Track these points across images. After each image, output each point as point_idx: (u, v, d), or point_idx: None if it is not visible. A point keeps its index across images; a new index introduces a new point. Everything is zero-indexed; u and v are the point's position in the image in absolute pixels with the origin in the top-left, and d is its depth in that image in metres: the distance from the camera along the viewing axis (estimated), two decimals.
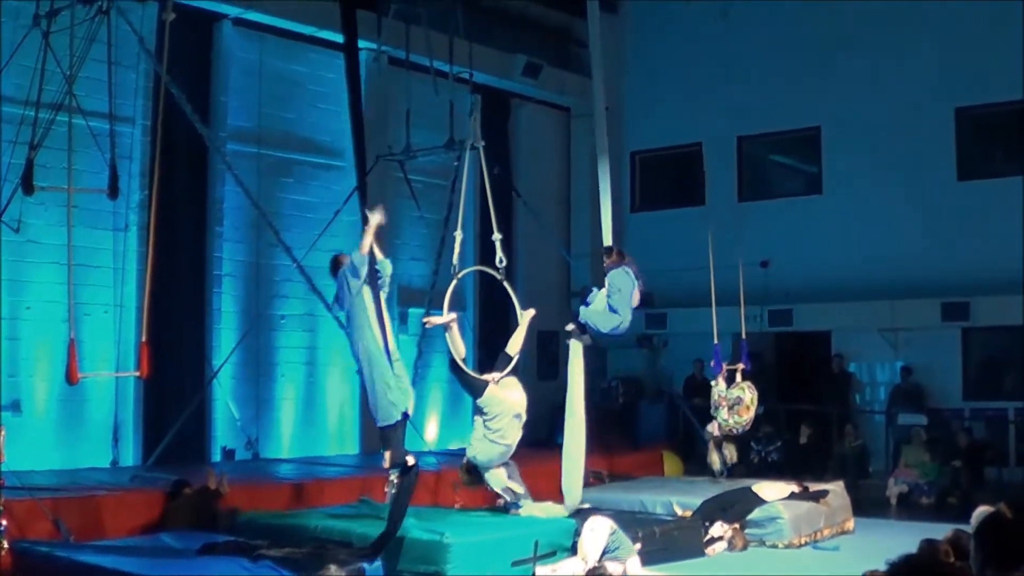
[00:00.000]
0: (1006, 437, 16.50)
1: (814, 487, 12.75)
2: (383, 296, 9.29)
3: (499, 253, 10.87)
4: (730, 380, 13.33)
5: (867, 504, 14.17)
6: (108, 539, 9.65)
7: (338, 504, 11.26)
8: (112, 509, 10.23)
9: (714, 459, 12.94)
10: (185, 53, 13.68)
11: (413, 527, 9.19)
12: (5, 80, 10.63)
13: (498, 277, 10.89)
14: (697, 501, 11.89)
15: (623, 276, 11.07)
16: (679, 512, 11.77)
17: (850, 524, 12.72)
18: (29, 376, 13.10)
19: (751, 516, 11.69)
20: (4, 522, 8.79)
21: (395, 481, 11.09)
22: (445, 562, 8.83)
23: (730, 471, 13.99)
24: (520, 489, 10.90)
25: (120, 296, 13.82)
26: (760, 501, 11.90)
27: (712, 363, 13.87)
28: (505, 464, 11.55)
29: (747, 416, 12.65)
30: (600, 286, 11.26)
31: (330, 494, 11.86)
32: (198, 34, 14.90)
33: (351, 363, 11.33)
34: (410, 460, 9.11)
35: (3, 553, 8.63)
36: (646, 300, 19.51)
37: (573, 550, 9.73)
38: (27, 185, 9.74)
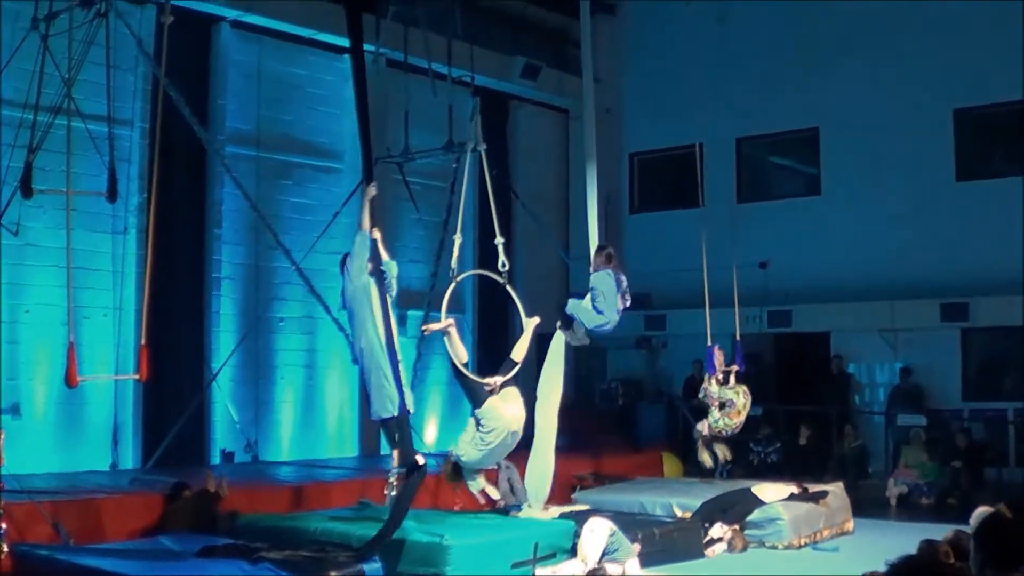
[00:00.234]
0: (1005, 438, 16.49)
1: (814, 488, 12.75)
2: (390, 298, 9.31)
3: (502, 257, 10.79)
4: (724, 382, 13.30)
5: (867, 505, 14.17)
6: (108, 542, 9.64)
7: (338, 506, 11.26)
8: (112, 512, 10.21)
9: (704, 457, 12.94)
10: (183, 56, 13.68)
11: (413, 529, 9.19)
12: (4, 83, 10.64)
13: (500, 281, 10.85)
14: (697, 502, 11.89)
15: (605, 278, 11.17)
16: (679, 513, 11.77)
17: (850, 525, 12.73)
18: (28, 379, 13.11)
19: (751, 517, 11.70)
20: (4, 525, 8.77)
21: (394, 483, 11.11)
22: (445, 564, 8.83)
23: (729, 471, 13.98)
24: (495, 494, 10.92)
25: (119, 299, 13.83)
26: (760, 502, 11.91)
27: (706, 364, 13.85)
28: (506, 467, 11.59)
29: (737, 420, 12.60)
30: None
31: (330, 496, 11.84)
32: (196, 37, 14.90)
33: (350, 365, 11.35)
34: (420, 460, 9.12)
35: (3, 556, 8.62)
36: (645, 301, 19.67)
37: (573, 552, 9.74)
38: (26, 188, 9.74)
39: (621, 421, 18.82)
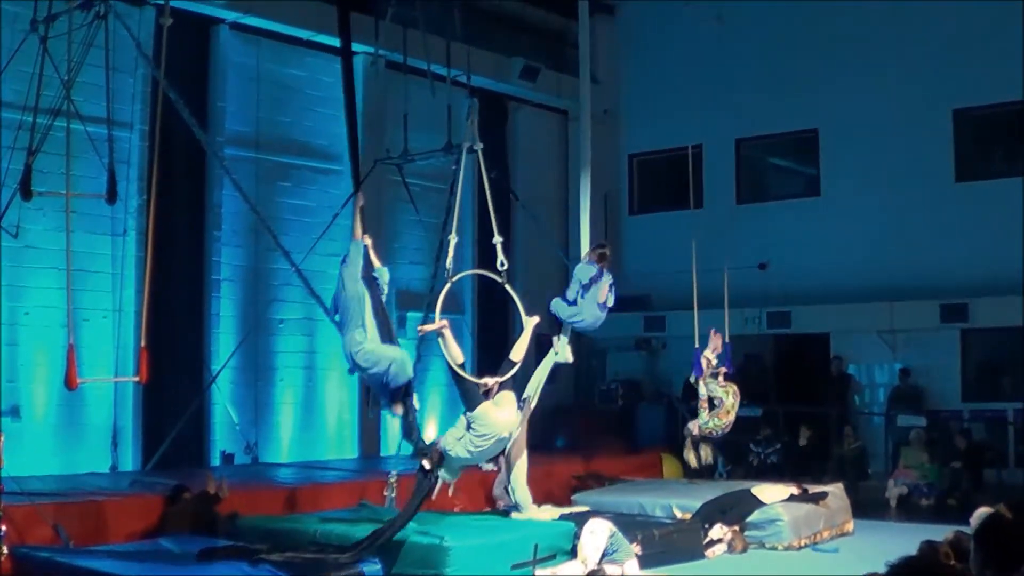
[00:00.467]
0: (1005, 438, 16.49)
1: (813, 489, 12.75)
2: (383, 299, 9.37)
3: (500, 257, 10.78)
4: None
5: (866, 506, 14.17)
6: (108, 544, 9.64)
7: (338, 508, 11.26)
8: (112, 514, 10.20)
9: (690, 457, 12.94)
10: (182, 58, 13.69)
11: (412, 531, 9.20)
12: (3, 85, 10.64)
13: (499, 281, 10.84)
14: (696, 504, 11.89)
15: (587, 268, 11.28)
16: (679, 515, 11.78)
17: (849, 526, 12.73)
18: (28, 381, 13.11)
19: (751, 518, 11.69)
20: (4, 528, 8.76)
21: (394, 483, 11.12)
22: (445, 565, 8.84)
23: (729, 472, 13.95)
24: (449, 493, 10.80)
25: (119, 301, 13.84)
26: (759, 503, 11.90)
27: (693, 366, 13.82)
28: (506, 467, 11.58)
29: (726, 420, 12.58)
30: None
31: (329, 498, 11.84)
32: (195, 39, 14.92)
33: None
34: (426, 465, 9.17)
35: (3, 559, 8.61)
36: (644, 303, 19.68)
37: (573, 553, 9.74)
38: (25, 190, 9.73)
39: (621, 422, 18.81)
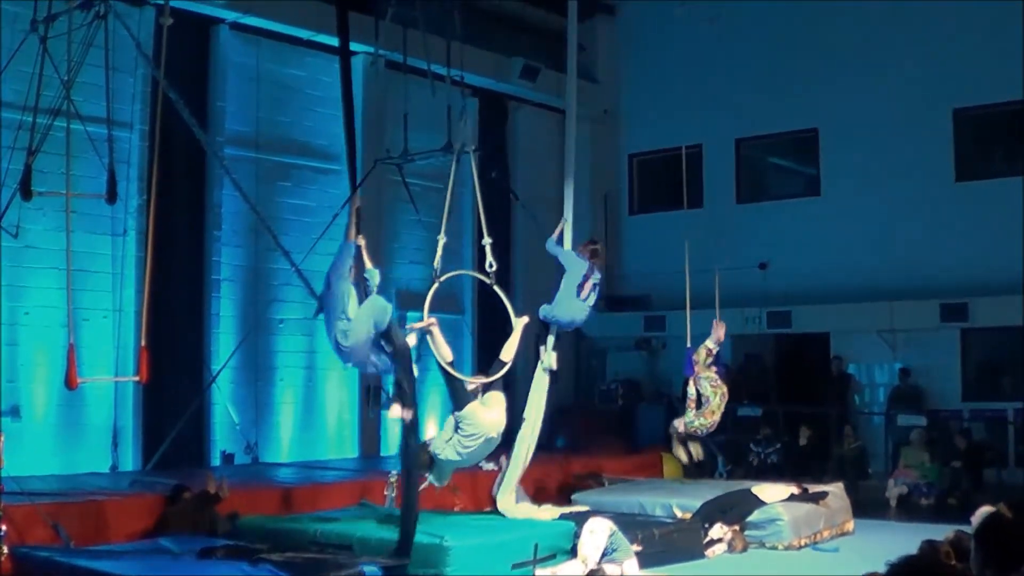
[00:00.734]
0: (1005, 438, 16.49)
1: (814, 489, 12.74)
2: None
3: (489, 257, 10.85)
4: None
5: (867, 505, 14.15)
6: (108, 544, 9.64)
7: (337, 508, 11.26)
8: (112, 514, 10.21)
9: (680, 453, 12.92)
10: (182, 58, 13.68)
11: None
12: (3, 85, 10.64)
13: (487, 282, 10.89)
14: (697, 503, 11.89)
15: (574, 257, 11.28)
16: (679, 514, 11.77)
17: (850, 525, 12.72)
18: (28, 381, 13.11)
19: (751, 518, 11.69)
20: (4, 527, 8.77)
21: (394, 483, 11.13)
22: (445, 565, 8.84)
23: (729, 471, 13.94)
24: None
25: (119, 301, 13.84)
26: (760, 503, 11.90)
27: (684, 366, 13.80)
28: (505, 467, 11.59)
29: (711, 419, 12.51)
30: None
31: (329, 498, 11.84)
32: (195, 39, 14.91)
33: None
34: (406, 416, 9.22)
35: (3, 559, 8.61)
36: (644, 303, 19.68)
37: (573, 552, 9.74)
38: (25, 190, 9.73)
39: (621, 422, 18.81)
